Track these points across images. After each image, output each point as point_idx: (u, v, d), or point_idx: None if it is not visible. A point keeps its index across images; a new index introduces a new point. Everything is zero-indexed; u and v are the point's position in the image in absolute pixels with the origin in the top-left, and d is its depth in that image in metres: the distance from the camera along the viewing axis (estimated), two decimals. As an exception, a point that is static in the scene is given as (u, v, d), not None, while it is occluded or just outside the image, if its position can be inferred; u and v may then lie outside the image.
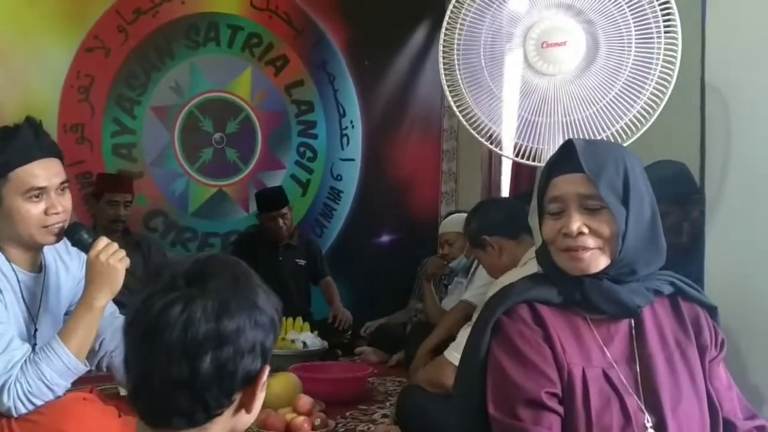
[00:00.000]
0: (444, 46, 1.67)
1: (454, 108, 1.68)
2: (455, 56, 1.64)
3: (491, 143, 1.67)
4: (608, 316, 1.22)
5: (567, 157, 1.22)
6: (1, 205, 1.71)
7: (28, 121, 1.75)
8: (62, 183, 1.77)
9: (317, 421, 2.29)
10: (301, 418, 2.28)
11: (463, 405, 1.24)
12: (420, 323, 3.68)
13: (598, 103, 1.61)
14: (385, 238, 4.58)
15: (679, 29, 1.65)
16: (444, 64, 1.66)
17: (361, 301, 4.25)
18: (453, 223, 3.61)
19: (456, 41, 1.65)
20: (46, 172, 1.73)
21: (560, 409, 1.15)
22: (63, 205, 1.76)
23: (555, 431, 1.13)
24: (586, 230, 1.18)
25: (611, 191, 1.18)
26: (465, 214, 3.72)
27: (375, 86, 4.50)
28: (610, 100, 1.61)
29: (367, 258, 4.44)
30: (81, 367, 1.72)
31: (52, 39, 3.86)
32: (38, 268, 1.83)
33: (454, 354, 2.13)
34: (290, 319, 3.47)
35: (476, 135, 1.62)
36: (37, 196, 1.72)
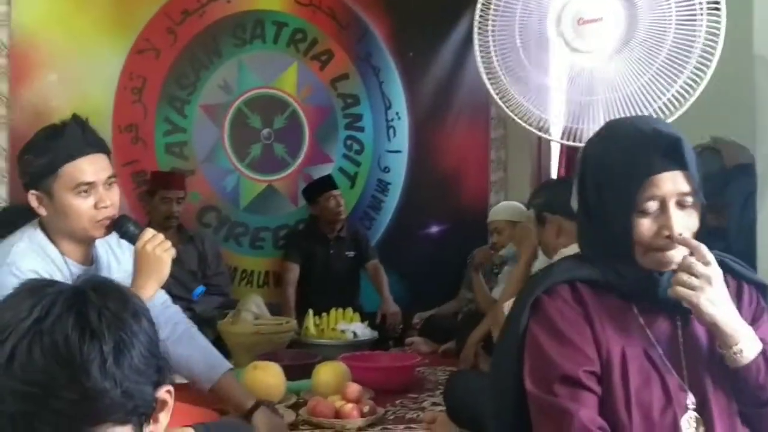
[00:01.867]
0: (479, 30, 1.66)
1: (491, 90, 1.67)
2: (490, 38, 1.62)
3: (529, 124, 1.65)
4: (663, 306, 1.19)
5: (664, 152, 1.15)
6: (53, 200, 1.77)
7: (74, 119, 1.81)
8: (109, 177, 1.82)
9: (366, 409, 2.31)
10: (350, 405, 2.30)
11: (500, 381, 1.24)
12: (470, 313, 3.66)
13: (639, 79, 1.57)
14: (434, 229, 4.57)
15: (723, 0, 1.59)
16: (480, 47, 1.65)
17: (411, 292, 4.26)
18: (502, 211, 3.58)
19: (490, 23, 1.63)
20: (93, 167, 1.79)
21: (598, 388, 1.14)
22: (111, 199, 1.81)
23: (592, 409, 1.12)
24: (688, 232, 1.15)
25: (700, 186, 1.16)
26: (514, 203, 3.71)
27: (420, 77, 4.49)
28: (652, 75, 1.57)
29: (416, 249, 4.44)
30: (171, 374, 1.78)
31: (105, 43, 3.98)
32: (90, 260, 1.90)
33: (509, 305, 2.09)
34: (340, 310, 3.50)
35: (509, 113, 1.60)
36: (85, 191, 1.77)
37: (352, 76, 4.42)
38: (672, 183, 1.15)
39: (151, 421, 0.80)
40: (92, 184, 1.77)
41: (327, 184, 4.09)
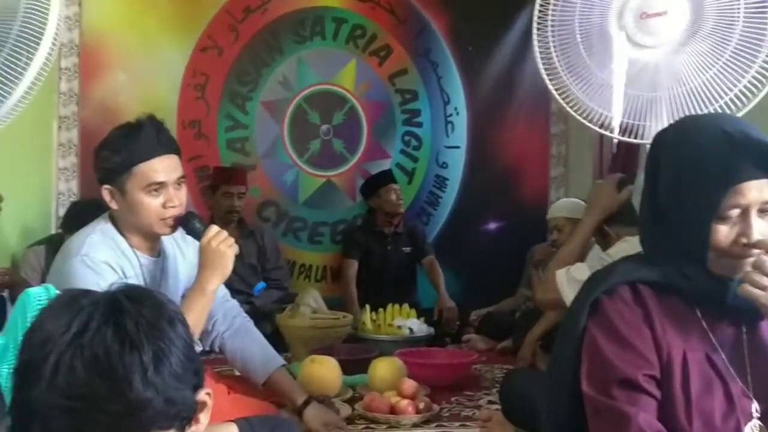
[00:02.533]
0: (538, 25, 1.63)
1: (550, 87, 1.64)
2: (549, 34, 1.59)
3: (590, 121, 1.61)
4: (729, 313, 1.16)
5: (754, 159, 1.11)
6: (125, 196, 1.84)
7: (150, 119, 1.87)
8: (179, 178, 1.88)
9: (421, 405, 2.31)
10: (405, 401, 2.30)
11: (555, 381, 1.22)
12: (529, 311, 3.62)
13: (705, 74, 1.51)
14: (492, 225, 4.53)
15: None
16: (539, 43, 1.62)
17: (469, 289, 4.23)
18: (562, 208, 3.52)
19: (550, 18, 1.60)
20: (165, 167, 1.84)
21: (657, 393, 1.11)
22: (179, 199, 1.87)
23: (651, 414, 1.09)
24: (763, 237, 1.12)
25: None
26: (574, 200, 3.64)
27: (479, 72, 4.45)
28: (719, 69, 1.51)
29: (474, 245, 4.41)
30: (197, 346, 1.83)
31: (170, 41, 4.08)
32: (157, 253, 1.96)
33: (563, 273, 2.01)
34: (396, 306, 3.50)
35: (570, 110, 1.57)
36: (156, 190, 1.83)
37: (411, 72, 4.42)
38: (758, 191, 1.11)
39: (192, 422, 0.81)
40: (163, 183, 1.83)
41: (387, 177, 4.11)
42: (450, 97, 4.45)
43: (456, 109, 4.46)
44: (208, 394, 0.83)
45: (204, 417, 0.83)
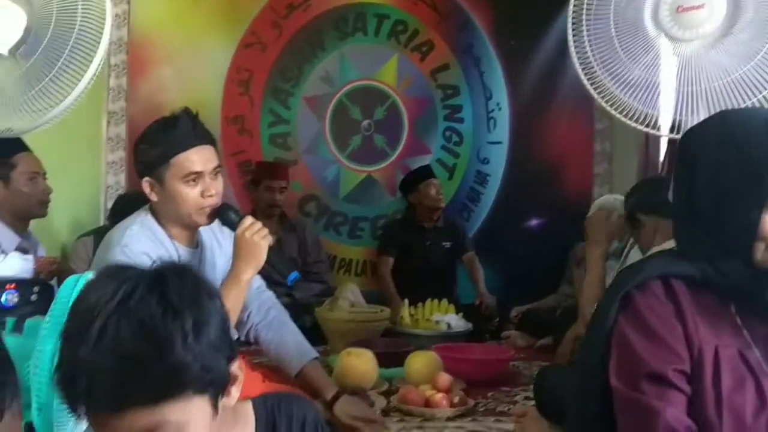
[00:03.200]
0: (573, 22, 1.61)
1: (587, 85, 1.63)
2: (584, 30, 1.57)
3: (630, 118, 1.59)
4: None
5: None
6: (163, 188, 1.89)
7: (185, 112, 1.92)
8: (215, 168, 1.92)
9: (456, 399, 2.31)
10: (440, 394, 2.31)
11: (584, 376, 1.21)
12: (570, 308, 3.57)
13: (744, 66, 1.48)
14: (533, 222, 4.49)
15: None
16: (574, 39, 1.61)
17: (509, 286, 4.21)
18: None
19: (585, 14, 1.58)
20: (201, 158, 1.89)
21: (687, 388, 1.09)
22: (216, 189, 1.92)
23: (680, 409, 1.07)
24: None
25: None
26: (615, 196, 3.58)
27: (522, 67, 4.41)
28: (758, 63, 1.47)
29: (515, 242, 4.37)
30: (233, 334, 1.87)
31: (215, 38, 4.16)
32: (195, 244, 2.01)
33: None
34: (435, 301, 3.51)
35: (609, 108, 1.55)
36: (194, 180, 1.88)
37: (453, 67, 4.41)
38: None
39: (225, 393, 0.86)
40: (200, 173, 1.88)
41: (427, 172, 4.11)
42: (492, 93, 4.42)
43: (498, 104, 4.43)
44: (240, 368, 0.88)
45: (235, 390, 0.88)
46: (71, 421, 1.45)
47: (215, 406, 0.84)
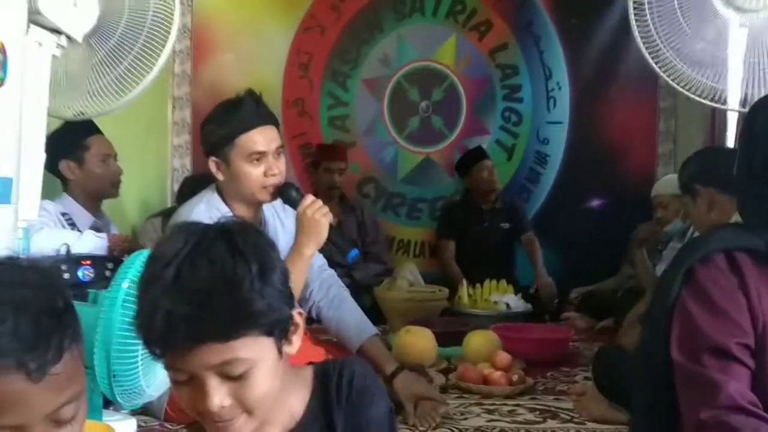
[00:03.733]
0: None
1: (648, 57, 1.60)
2: (646, 4, 1.54)
3: (697, 94, 1.56)
4: None
5: None
6: (229, 167, 1.97)
7: (249, 94, 1.99)
8: (278, 147, 1.99)
9: (515, 378, 2.31)
10: (498, 373, 2.32)
11: (648, 350, 1.21)
12: (631, 290, 3.52)
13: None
14: (595, 203, 4.42)
15: None
16: (635, 13, 1.58)
17: (569, 267, 4.16)
18: (667, 184, 3.40)
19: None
20: (265, 138, 1.97)
21: (751, 362, 1.08)
22: (279, 168, 1.99)
23: (743, 384, 1.06)
24: None
25: None
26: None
27: (583, 45, 4.32)
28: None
29: (575, 223, 4.32)
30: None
31: (275, 22, 4.22)
32: (259, 222, 2.08)
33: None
34: (494, 281, 3.51)
35: (675, 85, 1.52)
36: (257, 159, 1.95)
37: (512, 46, 4.36)
38: None
39: (286, 340, 0.92)
40: (263, 153, 1.96)
41: (478, 155, 4.09)
42: (552, 72, 4.36)
43: (558, 83, 4.36)
44: (300, 314, 0.94)
45: (296, 339, 0.94)
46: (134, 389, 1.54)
47: (279, 350, 0.90)
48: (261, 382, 0.87)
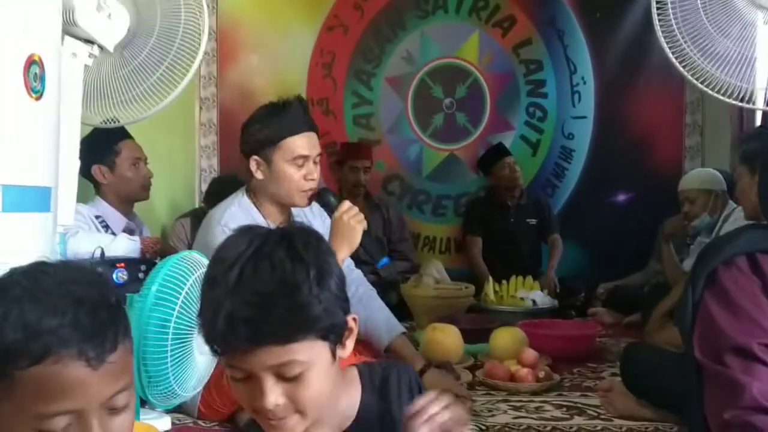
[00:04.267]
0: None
1: (676, 64, 1.60)
2: (669, 2, 1.54)
3: (713, 88, 1.56)
4: None
5: None
6: (270, 167, 2.02)
7: (297, 99, 2.06)
8: (318, 155, 2.07)
9: (541, 374, 2.33)
10: (525, 369, 2.33)
11: (678, 353, 1.22)
12: (658, 285, 3.51)
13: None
14: (621, 197, 4.40)
15: None
16: (658, 11, 1.58)
17: (596, 262, 4.16)
18: (694, 179, 3.39)
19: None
20: (308, 143, 2.03)
21: (775, 363, 1.09)
22: (317, 174, 2.04)
23: (765, 384, 1.07)
24: None
25: None
26: (708, 170, 3.48)
27: (607, 39, 4.30)
28: None
29: (601, 218, 4.31)
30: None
31: (299, 23, 4.26)
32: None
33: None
34: (520, 278, 3.51)
35: (699, 85, 1.52)
36: (300, 164, 2.01)
37: (535, 42, 4.35)
38: None
39: (340, 344, 0.95)
40: (306, 157, 2.02)
41: (499, 152, 4.10)
42: (576, 66, 4.34)
43: (583, 78, 4.35)
44: (354, 320, 0.97)
45: (350, 343, 0.97)
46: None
47: (334, 354, 0.93)
48: (315, 383, 0.90)
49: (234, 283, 0.88)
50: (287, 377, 0.89)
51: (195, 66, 1.84)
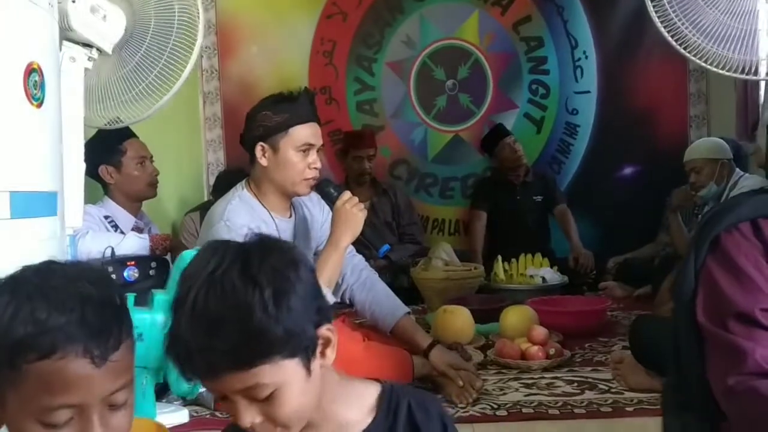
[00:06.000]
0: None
1: (654, 15, 1.58)
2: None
3: (712, 63, 1.55)
4: None
5: None
6: (276, 154, 2.06)
7: (305, 91, 2.11)
8: (321, 145, 2.13)
9: (551, 351, 2.35)
10: (535, 347, 2.35)
11: (676, 317, 1.23)
12: (668, 257, 3.52)
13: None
14: (627, 170, 4.39)
15: None
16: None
17: (606, 237, 4.16)
18: (700, 148, 3.38)
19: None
20: (314, 133, 2.09)
21: (776, 329, 1.10)
22: (319, 163, 2.08)
23: (768, 351, 1.08)
24: None
25: None
26: (713, 139, 3.47)
27: (607, 11, 4.27)
28: None
29: (609, 192, 4.31)
30: (330, 297, 2.01)
31: (297, 12, 4.26)
32: (290, 214, 2.15)
33: None
34: (529, 256, 3.53)
35: (699, 62, 1.52)
36: (305, 151, 2.06)
37: (535, 18, 4.33)
38: None
39: (319, 355, 0.91)
40: (312, 146, 2.09)
41: (499, 133, 4.10)
42: (577, 41, 4.32)
43: (584, 52, 4.33)
44: (329, 330, 0.92)
45: (330, 352, 0.92)
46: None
47: (308, 368, 0.89)
48: (289, 401, 0.87)
49: (189, 309, 0.85)
50: (259, 399, 0.86)
51: (193, 59, 1.85)
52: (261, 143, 2.07)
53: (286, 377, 0.86)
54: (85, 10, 1.72)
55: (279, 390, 0.86)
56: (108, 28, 1.76)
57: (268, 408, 0.87)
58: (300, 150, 2.05)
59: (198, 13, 1.82)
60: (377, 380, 1.01)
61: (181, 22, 1.82)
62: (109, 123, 2.12)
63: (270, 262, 0.88)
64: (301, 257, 0.93)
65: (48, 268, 0.81)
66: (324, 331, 0.91)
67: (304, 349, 0.88)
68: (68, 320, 0.76)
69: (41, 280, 0.78)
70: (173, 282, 1.60)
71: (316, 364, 0.90)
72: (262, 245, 0.92)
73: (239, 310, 0.84)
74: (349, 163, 3.96)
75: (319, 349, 0.91)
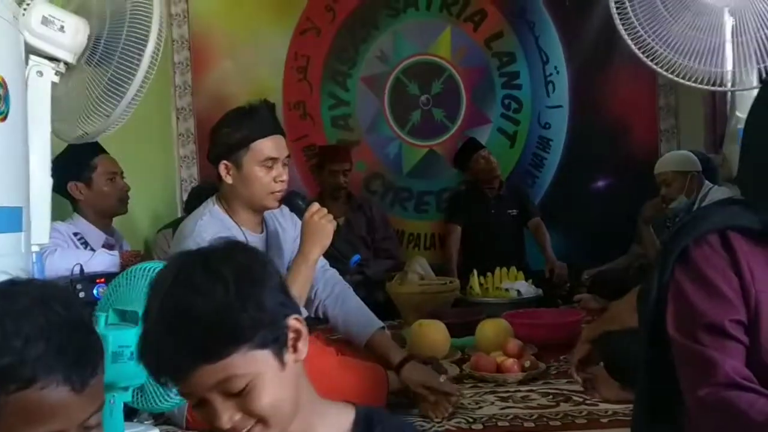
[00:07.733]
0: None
1: (623, 32, 1.61)
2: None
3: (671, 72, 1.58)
4: None
5: None
6: (240, 171, 2.03)
7: (265, 103, 2.07)
8: (287, 157, 2.08)
9: (527, 363, 2.35)
10: (510, 360, 2.35)
11: (643, 330, 1.23)
12: (642, 267, 3.55)
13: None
14: (600, 183, 4.44)
15: None
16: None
17: (580, 249, 4.19)
18: (669, 161, 3.43)
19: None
20: (277, 145, 2.05)
21: (745, 338, 1.10)
22: (286, 176, 2.06)
23: (737, 360, 1.08)
24: None
25: None
26: (683, 152, 3.52)
27: (578, 27, 4.33)
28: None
29: (583, 205, 4.34)
30: (302, 312, 1.98)
31: (271, 27, 4.27)
32: (261, 229, 2.13)
33: None
34: (504, 269, 3.53)
35: (668, 74, 1.54)
36: (269, 166, 2.03)
37: (507, 34, 4.38)
38: None
39: (291, 349, 0.92)
40: (275, 159, 2.04)
41: (471, 147, 4.13)
42: (549, 56, 4.37)
43: (556, 67, 4.38)
44: (297, 320, 0.93)
45: (303, 345, 0.93)
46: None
47: (281, 360, 0.90)
48: (266, 392, 0.88)
49: (156, 315, 0.87)
50: (234, 393, 0.86)
51: (146, 59, 1.73)
52: (224, 161, 2.04)
53: (259, 368, 0.87)
54: (36, 21, 1.68)
55: (253, 381, 0.86)
56: (66, 39, 1.72)
57: (244, 402, 0.87)
58: (263, 165, 2.01)
59: (153, 7, 1.72)
60: (352, 403, 1.01)
61: (134, 15, 1.72)
62: (79, 137, 2.08)
63: (234, 258, 0.90)
64: (268, 259, 0.94)
65: (11, 289, 0.79)
66: (293, 321, 0.92)
67: (274, 340, 0.89)
68: (46, 349, 0.75)
69: (8, 303, 0.77)
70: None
71: (289, 357, 0.91)
72: (227, 246, 0.93)
73: (203, 301, 0.85)
74: (324, 178, 3.94)
75: (290, 342, 0.91)
